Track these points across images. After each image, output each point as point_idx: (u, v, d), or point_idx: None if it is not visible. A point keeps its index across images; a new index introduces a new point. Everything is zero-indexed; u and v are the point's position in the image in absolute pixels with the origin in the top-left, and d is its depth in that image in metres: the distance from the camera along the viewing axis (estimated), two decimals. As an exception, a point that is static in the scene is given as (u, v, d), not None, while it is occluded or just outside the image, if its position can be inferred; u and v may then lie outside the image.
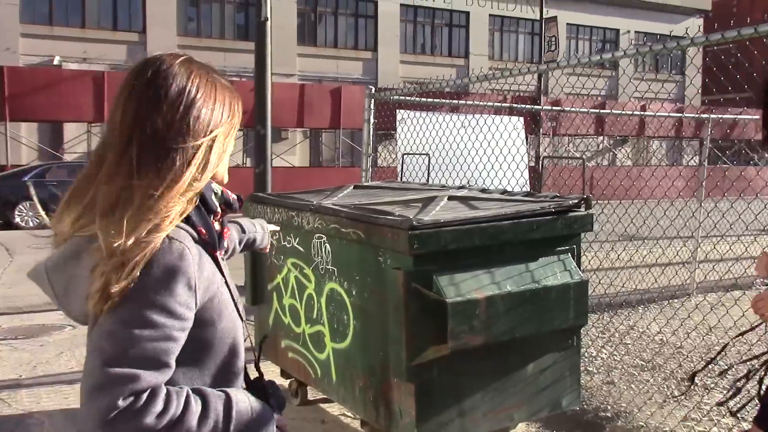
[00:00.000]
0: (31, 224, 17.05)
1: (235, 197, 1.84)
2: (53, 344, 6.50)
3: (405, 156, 6.29)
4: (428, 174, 5.96)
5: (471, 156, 6.18)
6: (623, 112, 9.90)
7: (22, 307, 8.12)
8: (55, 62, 24.79)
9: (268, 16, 8.70)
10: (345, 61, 31.47)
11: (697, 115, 8.56)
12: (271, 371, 5.31)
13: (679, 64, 40.69)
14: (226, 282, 1.62)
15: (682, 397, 4.46)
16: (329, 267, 4.08)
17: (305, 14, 30.62)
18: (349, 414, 4.46)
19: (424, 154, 6.14)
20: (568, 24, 36.50)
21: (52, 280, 1.57)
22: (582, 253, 4.08)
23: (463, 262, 3.52)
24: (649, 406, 4.40)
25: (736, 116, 9.72)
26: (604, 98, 33.60)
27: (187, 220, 1.54)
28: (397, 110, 6.96)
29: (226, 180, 1.70)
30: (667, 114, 11.03)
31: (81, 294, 1.46)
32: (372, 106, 6.12)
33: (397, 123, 6.77)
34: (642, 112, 10.74)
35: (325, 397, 4.32)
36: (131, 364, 1.37)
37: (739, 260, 6.50)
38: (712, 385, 4.80)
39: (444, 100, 6.85)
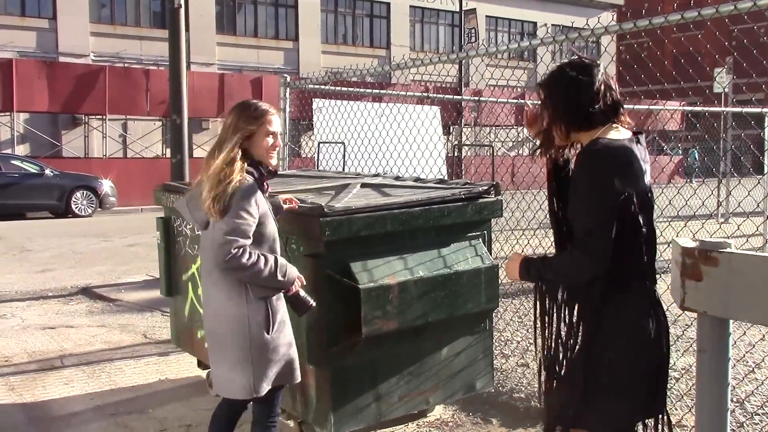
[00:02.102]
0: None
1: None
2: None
3: (321, 144, 6.26)
4: (344, 163, 5.96)
5: (387, 144, 6.22)
6: (537, 102, 10.07)
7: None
8: (-41, 49, 23.65)
9: (182, 2, 8.51)
10: (266, 51, 31.11)
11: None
12: (189, 362, 5.25)
13: (593, 54, 41.84)
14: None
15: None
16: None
17: (224, 2, 30.10)
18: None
19: (339, 143, 6.13)
20: (487, 16, 37.04)
21: (189, 204, 3.03)
22: (493, 240, 4.16)
23: (376, 248, 3.55)
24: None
25: (649, 107, 10.06)
26: (524, 89, 34.27)
27: (253, 174, 2.90)
28: (314, 99, 6.93)
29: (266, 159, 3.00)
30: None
31: (202, 207, 2.85)
32: (287, 95, 6.08)
33: (314, 112, 6.74)
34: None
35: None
36: (235, 234, 2.76)
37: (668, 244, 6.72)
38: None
39: (364, 90, 6.85)
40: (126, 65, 25.84)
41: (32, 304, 7.78)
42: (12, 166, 17.94)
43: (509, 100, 10.68)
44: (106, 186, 18.71)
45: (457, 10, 28.61)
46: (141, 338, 6.31)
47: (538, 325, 2.65)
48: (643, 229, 2.33)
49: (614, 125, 2.40)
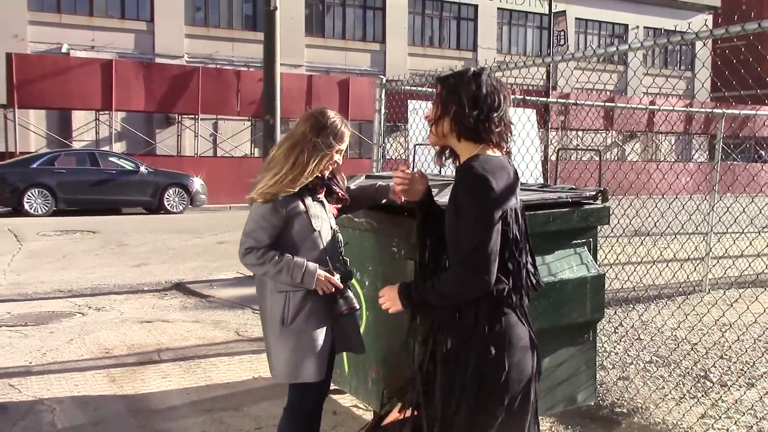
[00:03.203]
0: (39, 212, 17.05)
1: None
2: (63, 331, 6.46)
3: (417, 147, 6.20)
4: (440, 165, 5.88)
5: (484, 147, 6.09)
6: (637, 106, 9.78)
7: (32, 294, 8.11)
8: (63, 50, 24.73)
9: (277, 5, 8.62)
10: (353, 53, 31.37)
11: (712, 110, 8.46)
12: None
13: (684, 59, 40.50)
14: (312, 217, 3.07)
15: (700, 394, 4.40)
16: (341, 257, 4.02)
17: (313, 5, 30.52)
18: (361, 405, 4.41)
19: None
20: (577, 18, 36.30)
21: None
22: (598, 247, 4.01)
23: (479, 253, 3.46)
24: (666, 402, 4.34)
25: (750, 112, 9.63)
26: (613, 93, 33.44)
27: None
28: (409, 101, 6.88)
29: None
30: (683, 108, 10.91)
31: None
32: (383, 97, 6.05)
33: (409, 113, 6.69)
34: (658, 107, 10.62)
35: (337, 388, 4.27)
36: (251, 236, 2.98)
37: (759, 256, 6.42)
38: (730, 383, 4.73)
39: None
40: (218, 66, 26.51)
41: (129, 297, 8.01)
42: (110, 163, 18.64)
43: (596, 103, 10.41)
44: (197, 184, 19.22)
45: (546, 12, 28.11)
46: (234, 335, 6.40)
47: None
48: (520, 245, 2.38)
49: (492, 146, 2.43)
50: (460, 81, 2.44)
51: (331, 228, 3.18)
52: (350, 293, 3.08)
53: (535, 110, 7.37)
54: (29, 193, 17.12)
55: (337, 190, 3.24)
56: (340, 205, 3.28)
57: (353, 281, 3.92)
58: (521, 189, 4.04)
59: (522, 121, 6.94)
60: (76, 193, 17.65)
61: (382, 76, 6.27)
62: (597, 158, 8.01)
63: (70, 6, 25.84)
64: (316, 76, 26.29)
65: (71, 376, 5.23)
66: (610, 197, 3.93)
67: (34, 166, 17.67)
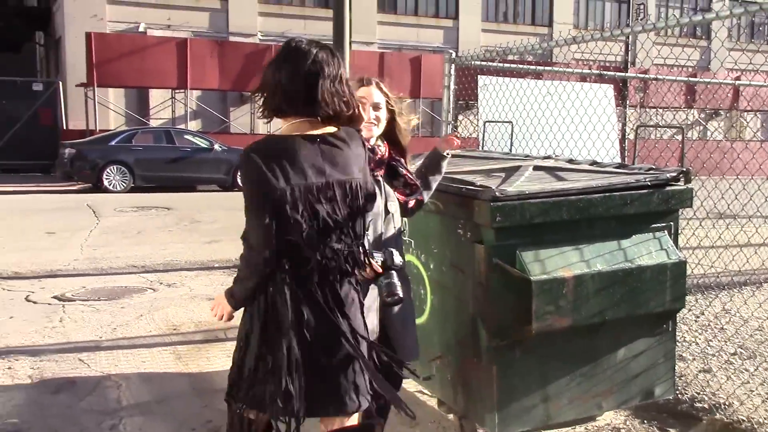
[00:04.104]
0: (117, 188, 17.50)
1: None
2: (133, 306, 6.56)
3: (486, 124, 5.98)
4: (511, 143, 5.65)
5: (557, 124, 5.85)
6: (724, 81, 9.26)
7: (106, 269, 8.28)
8: (140, 29, 25.22)
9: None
10: (425, 30, 30.98)
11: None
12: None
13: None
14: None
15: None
16: (405, 239, 3.87)
17: (387, -19, 30.22)
18: (426, 391, 4.28)
19: (507, 122, 5.83)
20: (658, -10, 34.94)
21: None
22: (680, 231, 3.75)
23: (550, 237, 3.27)
24: (751, 398, 4.05)
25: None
26: (696, 69, 32.13)
27: None
28: (479, 76, 6.66)
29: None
30: (769, 84, 10.28)
31: None
32: (452, 72, 5.84)
33: (479, 89, 6.47)
34: (747, 81, 10.01)
35: (400, 373, 4.15)
36: None
37: None
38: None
39: (528, 66, 6.51)
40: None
41: (200, 274, 8.09)
42: (185, 141, 18.97)
43: (679, 78, 9.91)
44: (270, 162, 19.35)
45: (627, -16, 27.13)
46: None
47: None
48: (304, 224, 2.38)
49: (309, 120, 2.47)
50: (286, 51, 2.57)
51: (387, 211, 2.98)
52: (394, 281, 2.76)
53: (612, 86, 7.04)
54: (108, 170, 17.57)
55: (405, 172, 3.08)
56: (408, 191, 3.09)
57: (418, 264, 3.79)
58: (596, 170, 3.82)
59: (598, 97, 6.63)
60: (153, 170, 18.03)
61: (451, 51, 6.07)
62: (679, 137, 7.63)
63: (148, -15, 26.29)
64: (387, 54, 26.11)
65: (139, 352, 5.28)
66: (693, 178, 3.66)
67: (113, 143, 18.12)
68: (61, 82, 23.71)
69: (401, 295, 2.77)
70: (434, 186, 3.27)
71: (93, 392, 4.49)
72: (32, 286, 7.32)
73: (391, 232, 2.99)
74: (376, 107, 3.03)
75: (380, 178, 2.97)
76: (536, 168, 3.81)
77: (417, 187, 3.11)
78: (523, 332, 3.19)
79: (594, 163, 4.13)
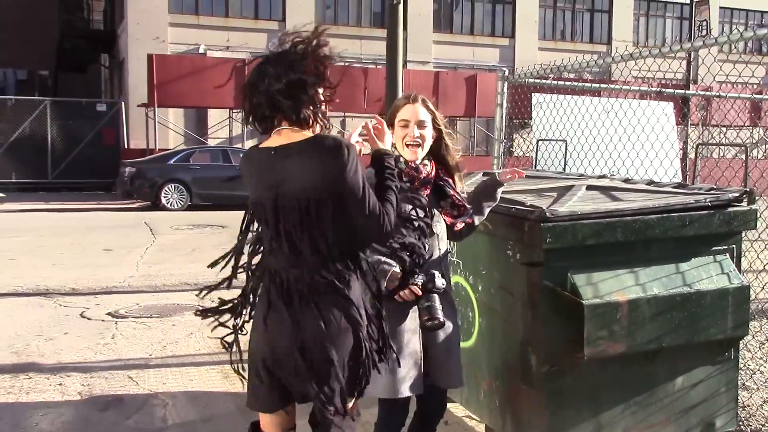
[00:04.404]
0: (175, 206, 17.79)
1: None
2: (184, 324, 6.59)
3: (540, 142, 5.86)
4: (565, 161, 5.52)
5: (614, 143, 5.68)
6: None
7: (160, 286, 8.37)
8: (200, 50, 25.75)
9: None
10: (481, 48, 30.87)
11: None
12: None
13: None
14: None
15: None
16: (453, 259, 3.79)
17: (442, 0, 30.26)
18: (475, 416, 4.16)
19: (561, 140, 5.69)
20: (721, 7, 34.07)
21: None
22: (743, 254, 3.57)
23: (603, 259, 3.15)
24: (821, 433, 3.83)
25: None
26: (762, 86, 31.21)
27: None
28: (533, 94, 6.54)
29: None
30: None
31: None
32: (505, 90, 5.75)
33: (533, 107, 6.35)
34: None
35: (449, 397, 4.05)
36: None
37: None
38: None
39: (584, 83, 6.36)
40: (346, 64, 26.73)
41: (251, 292, 8.09)
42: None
43: (742, 95, 9.58)
44: (324, 180, 19.46)
45: (687, 1, 26.59)
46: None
47: None
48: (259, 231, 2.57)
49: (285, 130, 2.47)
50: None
51: (431, 231, 2.87)
52: (435, 304, 2.72)
53: (671, 103, 6.84)
54: (166, 188, 17.88)
55: (452, 193, 2.98)
56: (456, 213, 2.97)
57: (466, 285, 3.69)
58: (653, 189, 3.67)
59: (657, 115, 6.45)
60: (209, 188, 18.28)
61: (504, 69, 5.97)
62: (742, 156, 7.35)
63: (208, 8, 26.82)
64: (443, 72, 26.06)
65: (187, 370, 5.29)
66: (757, 198, 3.49)
67: (171, 162, 18.45)
68: (123, 103, 24.34)
69: (441, 319, 2.69)
70: (486, 212, 3.14)
71: (140, 410, 4.50)
72: (88, 303, 7.44)
73: (435, 253, 2.90)
74: (420, 125, 2.95)
75: (424, 199, 2.88)
76: (590, 188, 3.69)
77: (465, 209, 3.00)
78: (574, 358, 3.07)
79: (651, 182, 3.98)
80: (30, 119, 22.63)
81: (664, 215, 3.23)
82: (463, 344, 3.63)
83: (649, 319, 3.10)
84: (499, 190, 3.12)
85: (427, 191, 2.90)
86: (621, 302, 3.05)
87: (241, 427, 4.24)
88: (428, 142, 2.96)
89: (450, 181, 3.00)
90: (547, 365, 3.10)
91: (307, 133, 2.46)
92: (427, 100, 3.02)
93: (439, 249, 2.90)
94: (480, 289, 3.60)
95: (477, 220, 3.08)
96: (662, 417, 3.33)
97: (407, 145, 2.93)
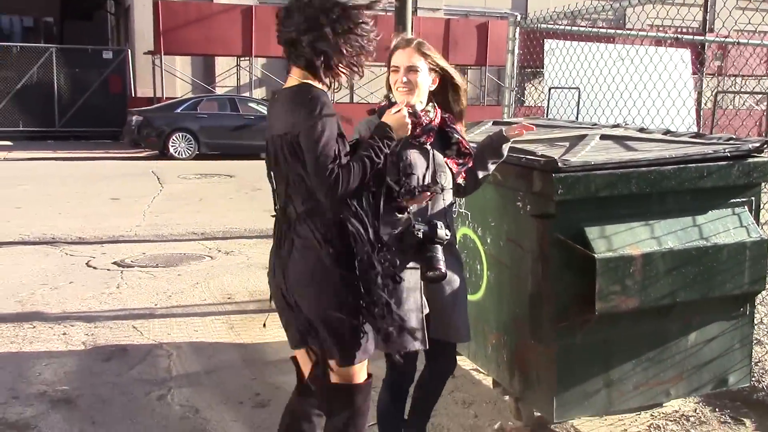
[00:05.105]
0: (183, 155, 17.67)
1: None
2: (190, 274, 6.55)
3: (552, 90, 5.69)
4: (578, 110, 5.36)
5: (628, 91, 5.50)
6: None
7: (166, 236, 8.32)
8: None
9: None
10: (493, -5, 30.22)
11: None
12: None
13: None
14: None
15: None
16: (462, 210, 3.68)
17: (453, -55, 29.53)
18: (483, 370, 4.10)
19: (573, 88, 5.52)
20: (741, -49, 33.22)
21: None
22: (762, 207, 3.45)
23: (617, 211, 3.03)
24: (837, 390, 3.75)
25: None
26: (779, 34, 30.51)
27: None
28: (545, 40, 6.33)
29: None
30: None
31: None
32: (516, 36, 5.56)
33: (545, 54, 6.15)
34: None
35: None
36: None
37: None
38: None
39: (599, 29, 6.16)
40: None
41: (258, 242, 8.03)
42: (249, 109, 18.98)
43: (764, 42, 9.30)
44: (333, 129, 19.26)
45: (707, -55, 25.78)
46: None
47: None
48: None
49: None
50: None
51: (434, 181, 2.74)
52: (437, 255, 2.62)
53: (689, 50, 6.62)
54: (174, 137, 17.73)
55: (459, 139, 2.84)
56: (462, 160, 2.84)
57: (474, 238, 3.59)
58: (670, 139, 3.53)
59: (674, 62, 6.25)
60: (217, 137, 18.12)
61: (516, 14, 5.77)
62: (762, 106, 7.15)
63: (214, -48, 26.30)
64: (453, 20, 25.54)
65: (191, 320, 5.25)
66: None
67: (178, 111, 18.26)
68: (129, 50, 24.04)
69: (443, 270, 2.59)
70: (492, 168, 2.99)
71: (144, 361, 4.47)
72: (94, 252, 7.40)
73: (439, 204, 2.78)
74: (410, 70, 2.79)
75: (428, 147, 2.76)
76: (603, 137, 3.55)
77: (471, 157, 2.88)
78: (585, 313, 2.97)
79: (667, 132, 3.83)
80: (36, 67, 22.38)
81: (681, 166, 3.10)
82: (470, 297, 3.53)
83: (663, 274, 3.00)
84: (506, 146, 2.95)
85: (431, 139, 2.77)
86: (635, 256, 2.94)
87: (245, 379, 4.22)
88: (422, 89, 2.80)
89: (456, 127, 2.87)
90: (557, 320, 3.01)
91: (308, 82, 2.47)
92: (423, 44, 2.85)
93: (443, 200, 2.78)
94: (489, 241, 3.49)
95: (481, 176, 2.95)
96: (674, 373, 3.25)
97: (398, 91, 2.79)
